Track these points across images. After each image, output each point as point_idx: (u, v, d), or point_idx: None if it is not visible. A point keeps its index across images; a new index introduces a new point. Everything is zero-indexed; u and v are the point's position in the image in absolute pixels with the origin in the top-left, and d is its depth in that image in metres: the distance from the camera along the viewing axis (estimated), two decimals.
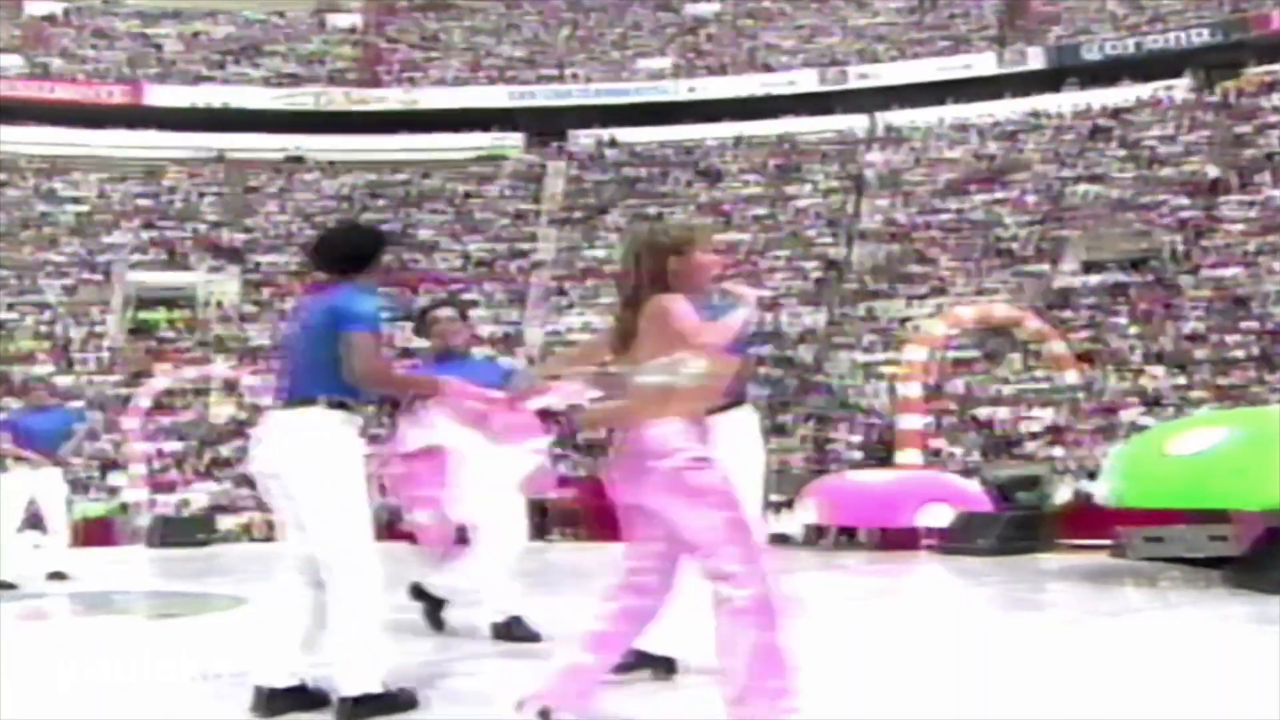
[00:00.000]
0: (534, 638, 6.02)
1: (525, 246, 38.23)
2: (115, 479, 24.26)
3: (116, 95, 41.65)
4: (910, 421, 15.94)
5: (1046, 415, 26.17)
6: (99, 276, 35.75)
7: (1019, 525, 12.00)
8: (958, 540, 11.85)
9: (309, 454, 4.31)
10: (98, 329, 33.86)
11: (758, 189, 38.98)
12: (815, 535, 14.23)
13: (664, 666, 5.00)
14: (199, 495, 26.42)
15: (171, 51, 43.95)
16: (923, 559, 12.04)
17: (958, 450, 25.22)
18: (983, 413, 26.94)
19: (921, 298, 32.08)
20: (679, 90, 43.32)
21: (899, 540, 12.79)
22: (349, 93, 43.36)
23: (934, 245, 34.72)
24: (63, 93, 41.19)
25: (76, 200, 38.54)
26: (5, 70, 41.17)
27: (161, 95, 41.93)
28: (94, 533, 18.44)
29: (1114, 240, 32.77)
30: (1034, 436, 25.67)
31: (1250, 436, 9.15)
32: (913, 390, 16.21)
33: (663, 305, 3.80)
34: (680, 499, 3.74)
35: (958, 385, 27.86)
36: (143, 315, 34.60)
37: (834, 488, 14.62)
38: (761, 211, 37.97)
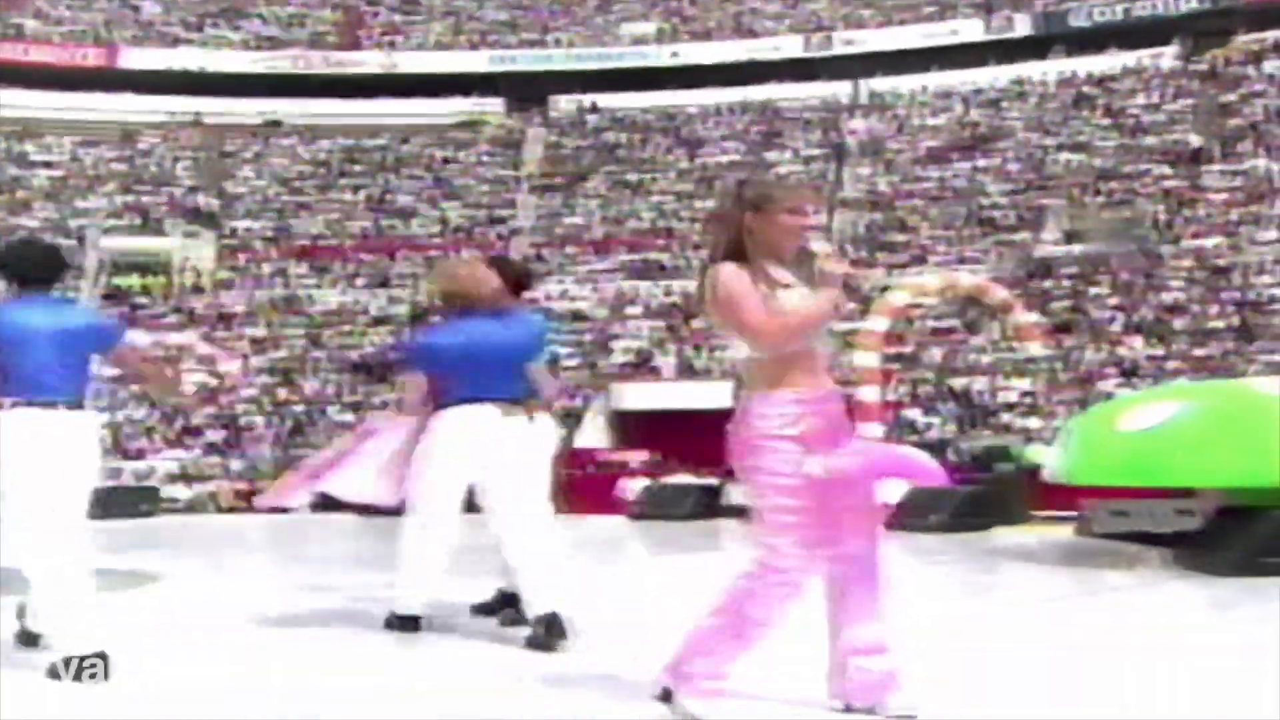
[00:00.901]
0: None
1: (504, 213, 37.82)
2: None
3: (92, 58, 41.13)
4: (869, 394, 15.63)
5: (1024, 385, 25.91)
6: (72, 242, 35.25)
7: (975, 501, 11.74)
8: (910, 516, 11.60)
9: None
10: (69, 295, 33.40)
11: (738, 156, 38.57)
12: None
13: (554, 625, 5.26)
14: (168, 464, 26.15)
15: (150, 14, 43.39)
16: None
17: (935, 421, 24.98)
18: (959, 383, 26.66)
19: (902, 266, 31.69)
20: (662, 55, 42.88)
21: None
22: (328, 56, 42.87)
23: (915, 214, 34.37)
24: (37, 55, 40.70)
25: (49, 164, 38.06)
26: None
27: (138, 58, 41.43)
28: None
29: (1096, 209, 32.47)
30: (1010, 407, 25.40)
31: (1204, 411, 8.88)
32: (870, 360, 15.91)
33: (716, 277, 3.70)
34: (744, 473, 3.76)
35: (935, 355, 27.60)
36: (116, 281, 34.18)
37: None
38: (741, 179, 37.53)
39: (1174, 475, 8.67)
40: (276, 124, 41.13)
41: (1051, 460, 9.64)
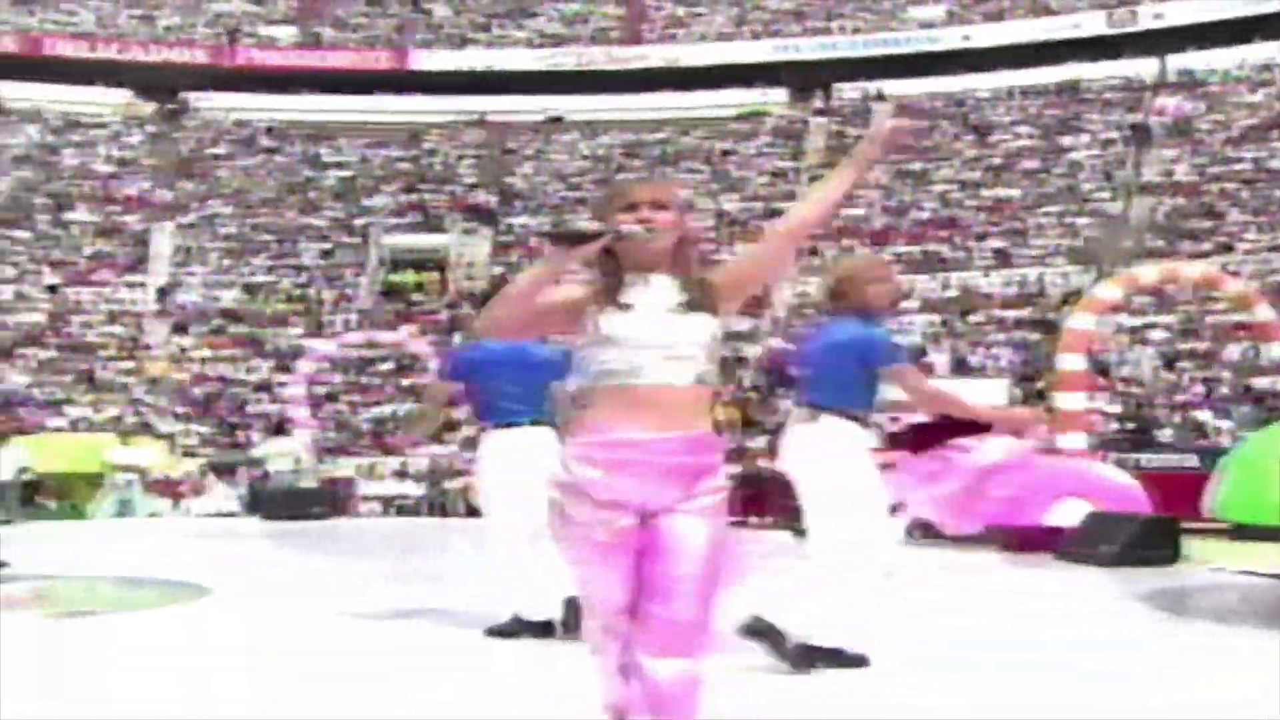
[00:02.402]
0: None
1: (782, 205, 36.64)
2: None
3: (383, 61, 42.23)
4: (1071, 400, 13.71)
5: None
6: (356, 240, 36.21)
7: (1156, 531, 9.77)
8: (1080, 545, 9.85)
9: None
10: (349, 291, 34.25)
11: (1030, 141, 36.29)
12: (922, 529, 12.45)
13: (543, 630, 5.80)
14: (423, 459, 26.14)
15: (440, 16, 44.27)
16: (1038, 564, 9.93)
17: (1226, 425, 22.47)
18: (1262, 383, 23.97)
19: (1205, 255, 28.98)
20: (952, 39, 40.84)
21: (1031, 541, 10.47)
22: (610, 51, 42.71)
23: (1224, 198, 31.42)
24: (333, 61, 42.06)
25: (340, 165, 39.21)
26: (280, 40, 42.34)
27: (426, 60, 42.30)
28: None
29: None
30: None
31: None
32: (1074, 363, 13.98)
33: None
34: None
35: (1233, 353, 24.98)
36: (393, 278, 34.82)
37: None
38: (1033, 165, 35.32)
39: None
40: (558, 120, 41.25)
41: (1209, 494, 7.76)
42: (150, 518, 16.29)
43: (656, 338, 3.06)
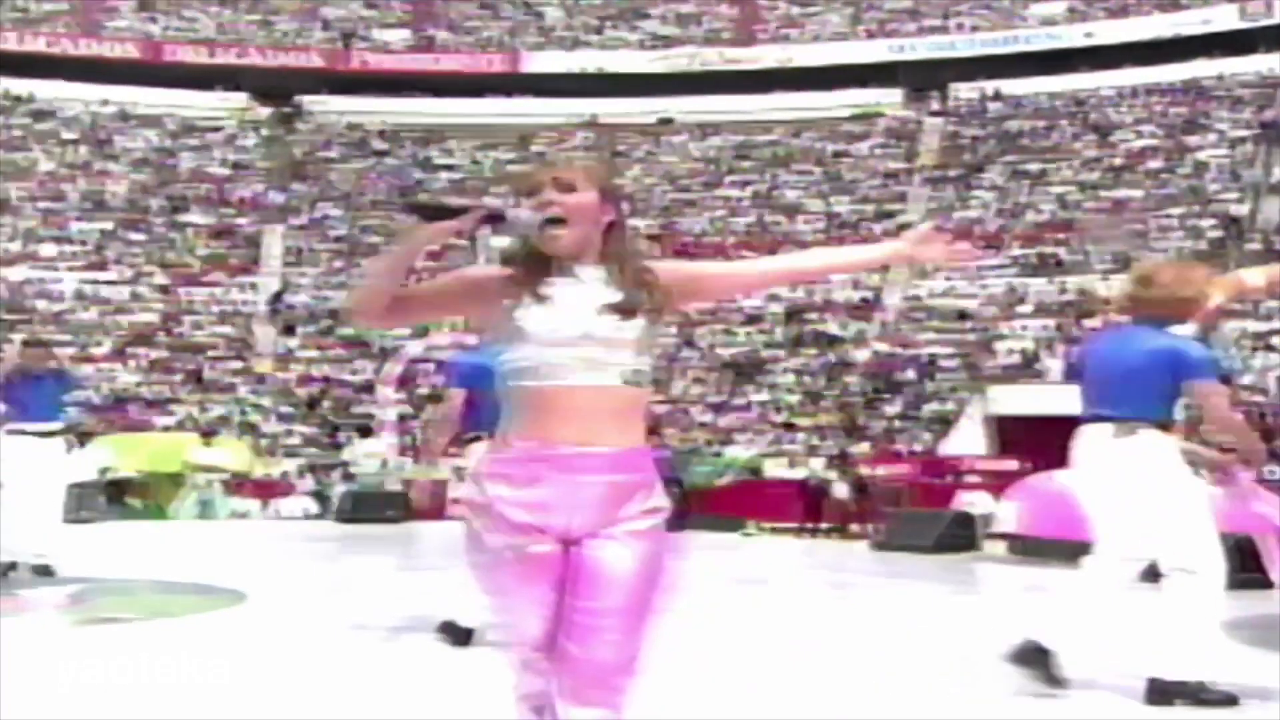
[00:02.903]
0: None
1: (893, 207, 35.98)
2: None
3: (495, 64, 42.30)
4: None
5: None
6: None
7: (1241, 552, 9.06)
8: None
9: None
10: None
11: (1153, 141, 35.10)
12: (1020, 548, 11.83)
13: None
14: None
15: (552, 18, 44.24)
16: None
17: None
18: None
19: None
20: (1073, 36, 39.69)
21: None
22: (723, 52, 42.29)
23: None
24: (445, 64, 42.23)
25: (450, 168, 39.33)
26: (393, 44, 42.65)
27: (538, 62, 42.28)
28: None
29: None
30: None
31: None
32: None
33: None
34: None
35: None
36: None
37: (1045, 491, 11.96)
38: (1156, 165, 34.15)
39: None
40: (669, 122, 40.95)
41: None
42: (234, 519, 16.30)
43: (573, 333, 2.72)
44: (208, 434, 18.59)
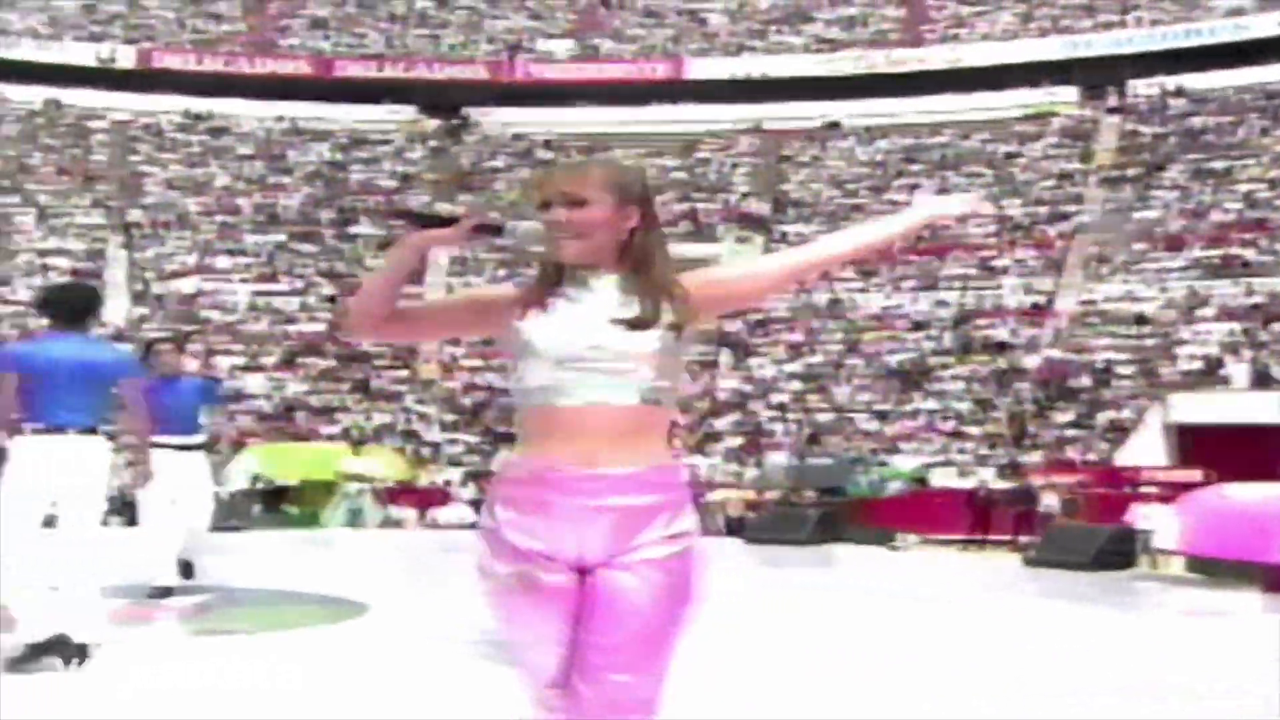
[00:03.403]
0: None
1: (1068, 209, 34.79)
2: None
3: (659, 71, 42.16)
4: None
5: None
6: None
7: None
8: None
9: None
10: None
11: None
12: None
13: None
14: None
15: (716, 24, 43.94)
16: None
17: None
18: None
19: None
20: (1265, 26, 37.87)
21: None
22: (889, 54, 41.47)
23: None
24: (610, 72, 42.24)
25: None
26: (557, 54, 42.83)
27: (702, 68, 42.02)
28: None
29: None
30: None
31: None
32: None
33: None
34: None
35: None
36: None
37: (1220, 506, 11.14)
38: None
39: None
40: (836, 126, 40.31)
41: None
42: (388, 527, 16.28)
43: (580, 347, 2.52)
44: (358, 443, 18.69)
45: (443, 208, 3.91)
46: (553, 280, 2.59)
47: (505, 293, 2.65)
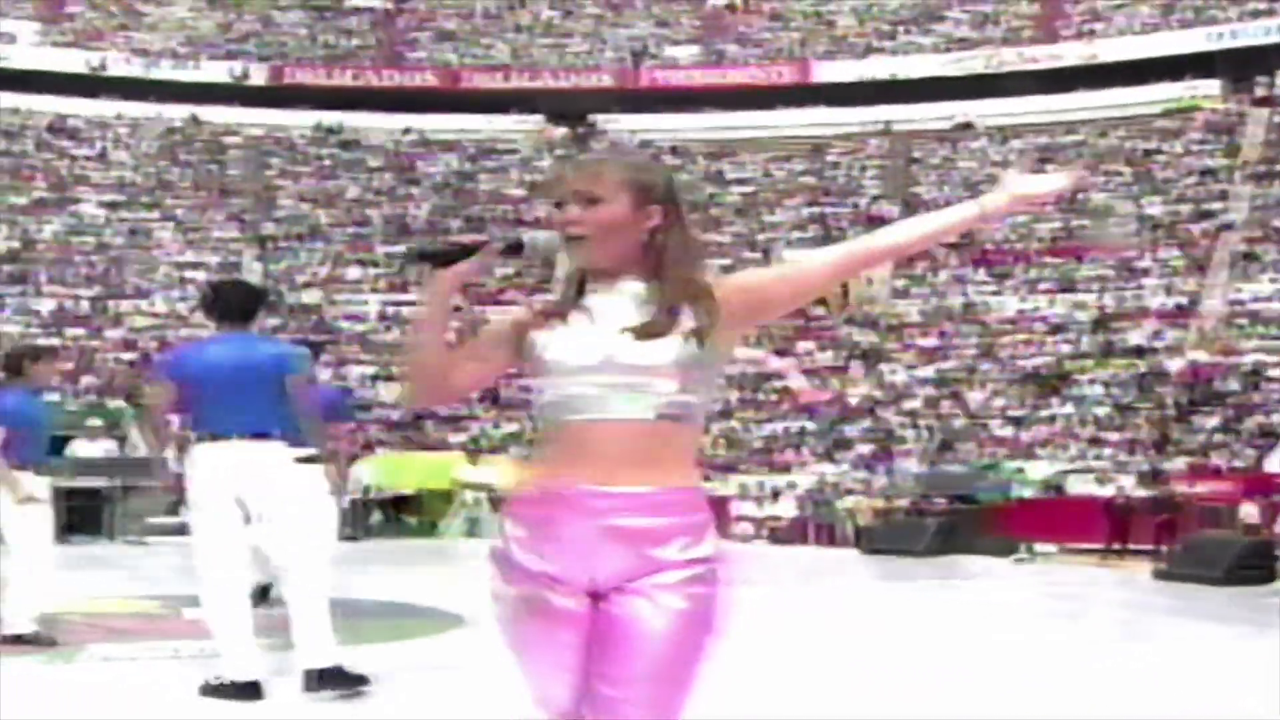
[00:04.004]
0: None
1: (1213, 206, 33.58)
2: None
3: (786, 75, 41.72)
4: None
5: None
6: (757, 255, 35.72)
7: None
8: None
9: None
10: None
11: None
12: None
13: None
14: (808, 478, 25.19)
15: (843, 26, 43.36)
16: None
17: None
18: None
19: None
20: None
21: None
22: (1022, 52, 40.50)
23: None
24: (735, 77, 41.95)
25: (742, 181, 38.94)
26: (682, 60, 42.65)
27: (829, 71, 41.49)
28: None
29: None
30: None
31: None
32: None
33: None
34: None
35: None
36: None
37: None
38: None
39: None
40: (968, 126, 39.47)
41: None
42: None
43: (592, 359, 2.35)
44: (474, 453, 18.62)
45: (461, 239, 3.79)
46: (575, 291, 2.43)
47: (520, 314, 2.48)
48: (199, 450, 5.35)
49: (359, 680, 5.34)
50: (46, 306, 32.24)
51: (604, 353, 2.33)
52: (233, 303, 5.61)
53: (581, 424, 2.33)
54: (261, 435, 5.31)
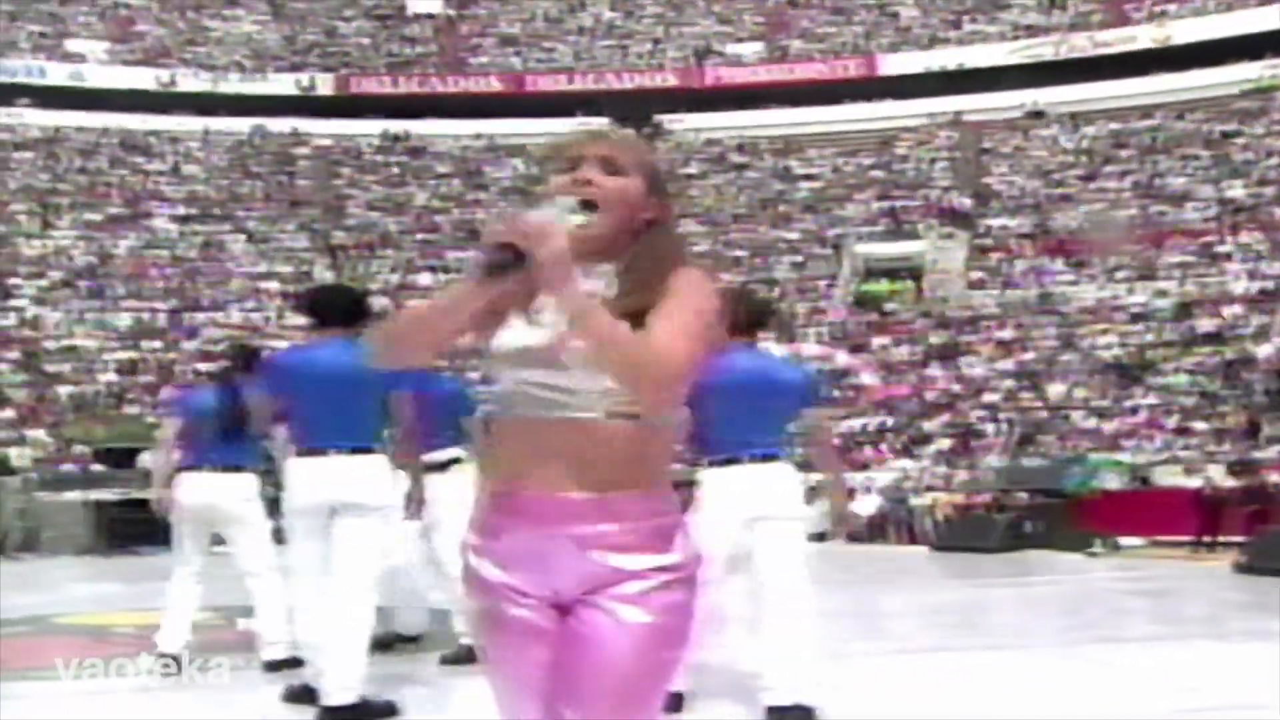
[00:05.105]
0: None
1: None
2: None
3: (851, 69, 41.37)
4: None
5: None
6: (828, 251, 35.43)
7: None
8: None
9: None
10: (822, 304, 33.44)
11: None
12: None
13: None
14: (889, 474, 24.83)
15: (908, 17, 42.90)
16: None
17: None
18: None
19: None
20: None
21: None
22: (1092, 37, 39.84)
23: None
24: (800, 73, 41.65)
25: (810, 177, 38.61)
26: (746, 57, 42.37)
27: (895, 63, 41.11)
28: None
29: None
30: None
31: None
32: None
33: None
34: None
35: None
36: (865, 287, 33.75)
37: None
38: None
39: None
40: (1039, 114, 38.87)
41: None
42: None
43: (541, 353, 2.16)
44: None
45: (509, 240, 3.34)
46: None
47: (500, 295, 2.17)
48: (295, 464, 5.17)
49: (387, 711, 5.12)
50: (124, 321, 32.56)
51: (550, 343, 2.14)
52: (339, 306, 5.47)
53: (528, 422, 2.17)
54: (364, 450, 5.18)
